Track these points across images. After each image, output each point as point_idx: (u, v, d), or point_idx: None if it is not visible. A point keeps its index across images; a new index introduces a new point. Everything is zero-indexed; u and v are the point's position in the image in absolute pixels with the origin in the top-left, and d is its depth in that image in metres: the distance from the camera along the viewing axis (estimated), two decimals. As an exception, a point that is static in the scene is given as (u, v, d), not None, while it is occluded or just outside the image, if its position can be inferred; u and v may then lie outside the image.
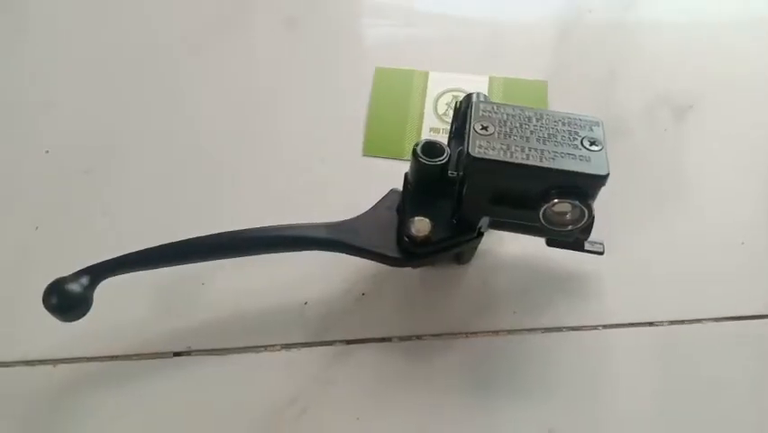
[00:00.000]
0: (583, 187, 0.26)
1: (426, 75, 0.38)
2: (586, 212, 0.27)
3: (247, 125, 0.38)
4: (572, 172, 0.26)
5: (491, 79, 0.38)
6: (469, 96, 0.32)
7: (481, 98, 0.31)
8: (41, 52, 0.41)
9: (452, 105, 0.37)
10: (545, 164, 0.26)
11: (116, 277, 0.28)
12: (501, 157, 0.26)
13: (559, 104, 0.38)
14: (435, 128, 0.37)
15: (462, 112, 0.31)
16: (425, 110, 0.37)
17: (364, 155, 0.36)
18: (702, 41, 0.41)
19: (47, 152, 0.37)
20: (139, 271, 0.29)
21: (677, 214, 0.34)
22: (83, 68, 0.40)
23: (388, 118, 0.37)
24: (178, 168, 0.37)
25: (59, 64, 0.41)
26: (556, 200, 0.27)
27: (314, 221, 0.31)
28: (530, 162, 0.26)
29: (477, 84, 0.38)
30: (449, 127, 0.34)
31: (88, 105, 0.39)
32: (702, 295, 0.32)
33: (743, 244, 0.33)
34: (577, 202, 0.26)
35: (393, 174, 0.32)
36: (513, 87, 0.38)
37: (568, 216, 0.28)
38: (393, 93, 0.38)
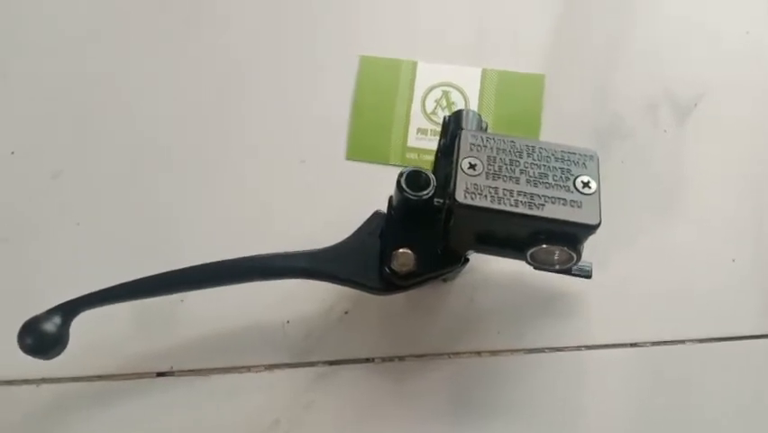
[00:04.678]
0: (573, 234, 0.25)
1: (415, 65, 0.36)
2: (574, 256, 0.26)
3: (222, 120, 0.36)
4: (562, 221, 0.25)
5: (484, 72, 0.36)
6: (458, 114, 0.30)
7: (470, 117, 0.29)
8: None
9: (441, 103, 0.35)
10: (534, 212, 0.25)
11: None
12: (488, 204, 0.25)
13: (555, 100, 0.35)
14: (423, 129, 0.35)
15: (451, 132, 0.29)
16: (413, 109, 0.35)
17: (348, 159, 0.35)
18: (710, 34, 0.38)
19: (12, 153, 0.35)
20: (112, 304, 0.28)
21: (668, 227, 0.33)
22: (45, 62, 0.37)
23: (373, 118, 0.35)
24: (151, 169, 0.35)
25: (21, 57, 0.38)
26: (544, 245, 0.26)
27: (295, 232, 0.30)
28: (519, 210, 0.25)
29: (469, 77, 0.35)
30: (438, 128, 0.33)
31: (54, 105, 0.36)
32: (687, 315, 0.32)
33: (734, 261, 0.33)
34: (565, 248, 0.26)
35: (377, 181, 0.31)
36: (508, 80, 0.35)
37: (555, 257, 0.27)
38: (379, 86, 0.35)
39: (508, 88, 0.35)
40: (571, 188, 0.26)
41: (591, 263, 0.30)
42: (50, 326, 0.26)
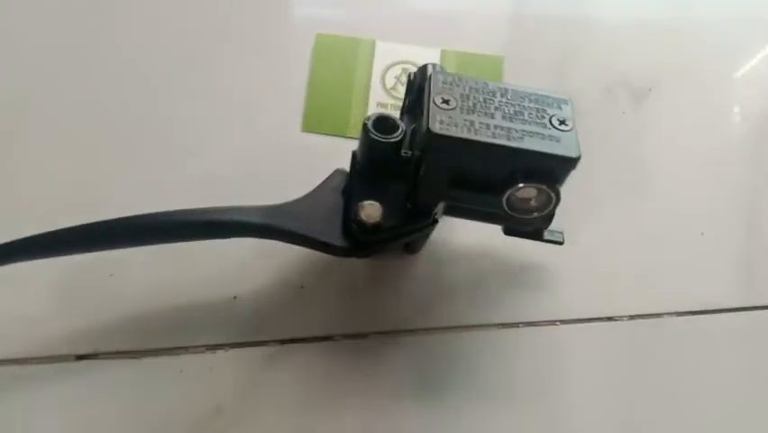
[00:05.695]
0: (553, 169, 0.24)
1: (373, 43, 0.35)
2: (553, 197, 0.24)
3: (172, 90, 0.33)
4: (542, 153, 0.23)
5: (444, 53, 0.35)
6: (424, 68, 0.28)
7: (438, 69, 0.28)
8: None
9: (402, 79, 0.34)
10: (513, 144, 0.23)
11: (9, 267, 0.24)
12: (465, 135, 0.23)
13: (514, 81, 0.35)
14: (383, 103, 0.33)
15: (417, 85, 0.28)
16: (372, 83, 0.34)
17: (303, 131, 0.33)
18: (665, 20, 0.39)
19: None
20: (35, 259, 0.24)
21: (635, 203, 0.33)
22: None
23: (330, 91, 0.33)
24: (93, 129, 0.32)
25: None
26: (522, 184, 0.24)
27: (248, 201, 0.27)
28: (497, 141, 0.23)
29: (428, 57, 0.34)
30: (399, 103, 0.31)
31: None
32: (662, 288, 0.30)
33: (702, 234, 0.32)
34: (544, 186, 0.24)
35: (335, 153, 0.28)
36: (467, 61, 0.35)
37: (533, 203, 0.25)
38: (336, 63, 0.34)
39: (468, 69, 0.35)
40: (548, 125, 0.24)
41: (563, 230, 0.29)
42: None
